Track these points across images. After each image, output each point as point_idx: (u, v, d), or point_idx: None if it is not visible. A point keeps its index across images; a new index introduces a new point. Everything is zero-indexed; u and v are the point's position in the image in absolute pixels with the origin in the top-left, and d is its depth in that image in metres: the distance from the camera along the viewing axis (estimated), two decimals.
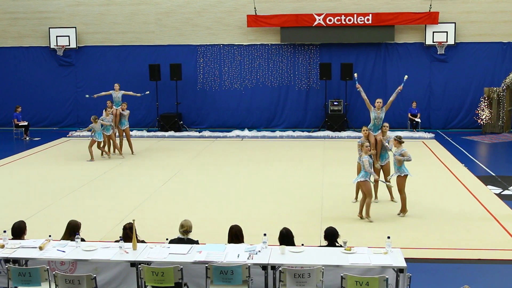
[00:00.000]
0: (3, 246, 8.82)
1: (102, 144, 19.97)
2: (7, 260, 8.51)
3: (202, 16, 26.45)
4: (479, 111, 24.60)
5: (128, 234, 9.05)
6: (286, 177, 17.38)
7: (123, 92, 21.55)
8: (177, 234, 9.38)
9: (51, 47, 27.16)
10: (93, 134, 19.74)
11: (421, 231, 12.35)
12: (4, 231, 9.16)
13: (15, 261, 8.51)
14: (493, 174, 17.44)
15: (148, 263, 8.32)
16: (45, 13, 27.21)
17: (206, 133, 25.39)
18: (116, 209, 14.19)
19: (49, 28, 27.03)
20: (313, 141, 23.49)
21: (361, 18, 25.17)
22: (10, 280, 8.28)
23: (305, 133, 25.16)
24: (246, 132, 25.51)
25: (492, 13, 25.09)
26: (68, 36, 26.92)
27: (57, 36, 26.96)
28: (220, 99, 26.73)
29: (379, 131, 14.18)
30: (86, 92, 26.95)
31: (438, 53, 25.45)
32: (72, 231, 9.41)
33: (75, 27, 26.91)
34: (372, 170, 12.87)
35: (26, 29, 27.46)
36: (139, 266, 8.30)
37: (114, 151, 20.65)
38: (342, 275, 7.84)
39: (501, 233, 12.26)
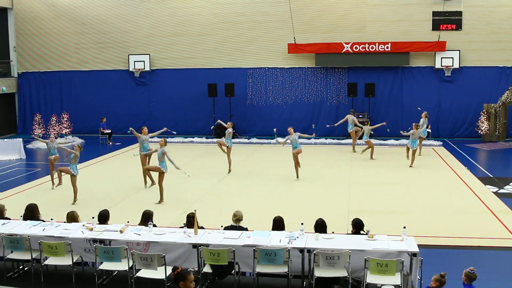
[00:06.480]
0: (91, 229, 8.97)
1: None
2: (95, 241, 8.65)
3: (251, 44, 26.51)
4: (480, 123, 24.09)
5: (191, 221, 9.09)
6: (320, 176, 17.28)
7: (150, 135, 17.04)
8: (230, 222, 9.38)
9: (130, 70, 27.55)
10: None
11: (430, 222, 12.17)
12: (92, 217, 9.33)
13: (101, 241, 8.63)
14: (491, 176, 17.06)
15: (206, 245, 8.34)
16: (125, 43, 27.61)
17: (254, 139, 25.37)
18: (181, 201, 14.30)
19: (129, 55, 27.43)
20: (341, 147, 23.28)
21: (381, 46, 24.90)
22: (97, 257, 8.43)
23: (335, 141, 24.98)
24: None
25: (490, 42, 24.56)
26: (144, 61, 27.27)
27: (134, 61, 27.33)
28: (265, 112, 26.70)
29: None
30: (157, 106, 27.38)
31: (446, 75, 24.99)
32: (146, 218, 9.53)
33: (149, 54, 27.26)
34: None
35: (111, 56, 27.89)
36: (199, 247, 8.33)
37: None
38: (365, 258, 7.76)
39: (497, 224, 12.02)
